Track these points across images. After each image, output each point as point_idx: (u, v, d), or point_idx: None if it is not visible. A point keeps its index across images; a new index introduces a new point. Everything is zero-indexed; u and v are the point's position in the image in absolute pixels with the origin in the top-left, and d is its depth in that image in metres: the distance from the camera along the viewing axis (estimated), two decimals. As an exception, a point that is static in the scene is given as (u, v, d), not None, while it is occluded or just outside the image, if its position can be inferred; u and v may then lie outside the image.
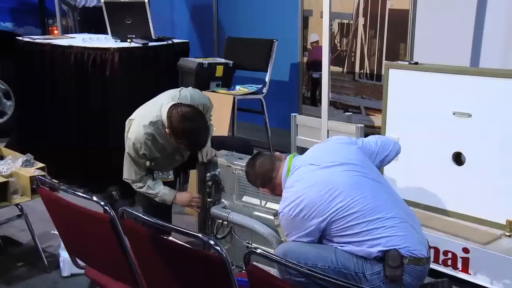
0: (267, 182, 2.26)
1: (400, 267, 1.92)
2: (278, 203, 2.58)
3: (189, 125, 2.55)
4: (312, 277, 1.66)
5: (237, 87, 4.16)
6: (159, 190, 2.80)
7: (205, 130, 2.67)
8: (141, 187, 2.79)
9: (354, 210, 1.99)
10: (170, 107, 2.61)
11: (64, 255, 2.75)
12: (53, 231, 3.10)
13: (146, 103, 2.81)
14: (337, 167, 2.09)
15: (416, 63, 2.97)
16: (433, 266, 2.43)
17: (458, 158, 2.81)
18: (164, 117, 2.62)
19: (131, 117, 2.77)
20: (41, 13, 5.44)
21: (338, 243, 2.04)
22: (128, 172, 2.78)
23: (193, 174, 3.51)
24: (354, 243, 2.00)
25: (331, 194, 2.01)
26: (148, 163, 2.76)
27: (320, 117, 3.54)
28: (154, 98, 2.81)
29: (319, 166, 2.10)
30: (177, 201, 2.83)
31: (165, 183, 2.85)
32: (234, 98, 3.88)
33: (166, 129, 2.62)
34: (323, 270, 2.00)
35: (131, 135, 2.69)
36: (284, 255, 2.05)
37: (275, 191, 2.27)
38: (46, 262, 2.90)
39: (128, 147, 2.71)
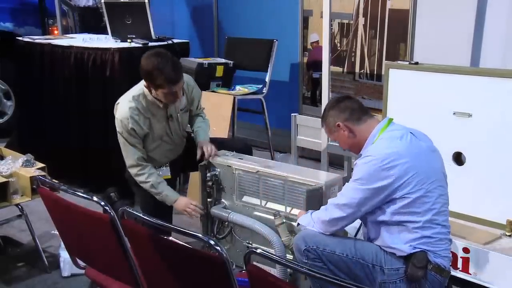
0: (352, 120, 2.12)
1: (424, 269, 1.93)
2: (278, 204, 2.60)
3: (155, 58, 2.58)
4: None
5: (237, 87, 4.16)
6: (162, 190, 2.78)
7: (175, 62, 2.64)
8: (143, 183, 2.75)
9: (428, 196, 1.95)
10: None
11: (64, 255, 2.75)
12: (53, 231, 3.11)
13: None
14: (433, 153, 2.07)
15: (416, 63, 2.97)
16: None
17: (458, 158, 2.81)
18: (145, 89, 2.69)
19: (117, 101, 2.80)
20: (41, 13, 5.45)
21: (388, 220, 1.98)
22: (127, 157, 2.77)
23: (194, 176, 3.52)
24: (403, 227, 1.96)
25: (422, 165, 1.97)
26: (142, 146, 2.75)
27: (320, 117, 3.53)
28: None
29: (420, 140, 2.05)
30: (176, 206, 2.82)
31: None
32: (234, 98, 3.88)
33: (145, 85, 2.66)
34: (340, 258, 2.02)
35: (119, 115, 2.72)
36: (304, 239, 2.06)
37: (351, 133, 2.12)
38: (46, 262, 2.90)
39: (118, 127, 2.72)
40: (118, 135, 2.75)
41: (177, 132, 2.91)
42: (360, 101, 2.32)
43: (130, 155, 2.76)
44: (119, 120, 2.71)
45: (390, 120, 2.13)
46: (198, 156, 2.81)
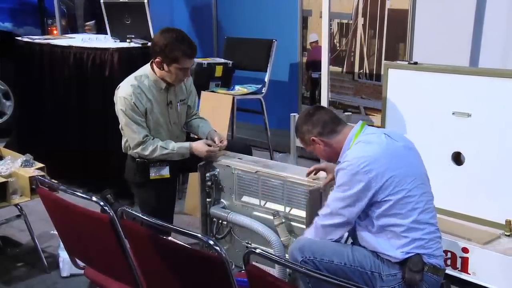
0: (326, 133, 2.13)
1: (420, 272, 1.93)
2: (277, 204, 2.60)
3: (173, 33, 2.69)
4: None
5: (237, 87, 4.16)
6: (174, 146, 2.78)
7: (190, 39, 2.75)
8: (154, 151, 2.74)
9: (410, 196, 1.95)
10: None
11: (63, 255, 2.74)
12: (52, 231, 3.10)
13: None
14: (410, 151, 2.08)
15: (416, 63, 2.97)
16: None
17: (457, 158, 2.81)
18: (148, 70, 2.76)
19: (118, 86, 2.83)
20: (41, 13, 5.44)
21: (375, 226, 1.99)
22: (132, 137, 2.75)
23: (193, 176, 3.52)
24: (390, 232, 1.97)
25: (399, 166, 1.97)
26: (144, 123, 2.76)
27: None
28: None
29: (395, 140, 2.06)
30: (194, 150, 2.79)
31: (162, 180, 2.83)
32: (233, 98, 3.88)
33: (156, 62, 2.71)
34: (339, 267, 2.01)
35: (121, 93, 2.75)
36: (300, 249, 2.04)
37: (327, 146, 2.13)
38: (45, 263, 2.90)
39: (121, 105, 2.73)
40: (121, 114, 2.74)
41: (176, 121, 2.92)
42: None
43: (134, 134, 2.74)
44: (122, 98, 2.73)
45: (363, 124, 2.14)
46: (217, 142, 2.81)
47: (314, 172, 2.47)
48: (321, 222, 2.07)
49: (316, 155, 2.26)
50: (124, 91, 2.74)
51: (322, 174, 2.47)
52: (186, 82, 2.94)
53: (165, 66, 2.71)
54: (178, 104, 2.90)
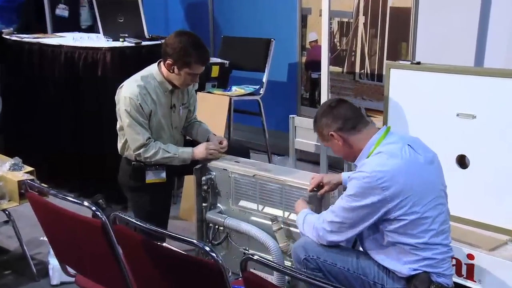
0: (346, 130, 2.06)
1: None
2: (276, 208, 2.60)
3: (189, 36, 2.73)
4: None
5: (233, 88, 4.16)
6: (176, 150, 2.79)
7: (205, 46, 2.79)
8: (156, 154, 2.75)
9: (424, 217, 1.93)
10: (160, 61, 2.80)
11: (53, 262, 2.74)
12: (42, 238, 3.09)
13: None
14: (431, 166, 2.04)
15: (418, 63, 2.97)
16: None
17: (462, 161, 2.81)
18: (155, 71, 2.78)
19: (121, 85, 2.82)
20: (29, 12, 5.42)
21: (384, 241, 1.97)
22: (135, 138, 2.75)
23: (189, 180, 3.51)
24: (400, 249, 1.95)
25: (419, 185, 1.93)
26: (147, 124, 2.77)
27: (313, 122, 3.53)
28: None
29: (418, 154, 2.00)
30: (196, 156, 2.81)
31: (157, 184, 2.83)
32: (230, 99, 3.88)
33: (166, 63, 2.72)
34: (341, 271, 2.01)
35: (126, 93, 2.73)
36: (304, 248, 2.04)
37: (346, 144, 2.07)
38: (34, 270, 2.89)
39: (126, 105, 2.72)
40: (125, 115, 2.73)
41: (177, 125, 2.93)
42: (356, 104, 2.27)
43: (137, 136, 2.74)
44: (127, 98, 2.72)
45: (388, 129, 2.08)
46: (223, 144, 2.87)
47: (316, 186, 2.43)
48: (322, 226, 2.04)
49: (334, 151, 2.19)
50: (129, 91, 2.74)
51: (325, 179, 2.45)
52: (191, 86, 2.95)
53: (175, 69, 2.72)
54: (181, 108, 2.92)
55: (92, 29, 5.16)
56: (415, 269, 1.95)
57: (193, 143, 2.95)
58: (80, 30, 5.04)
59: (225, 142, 2.90)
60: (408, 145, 2.02)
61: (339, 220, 1.99)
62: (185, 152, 2.81)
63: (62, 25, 4.97)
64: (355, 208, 1.94)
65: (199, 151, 2.82)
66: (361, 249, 2.18)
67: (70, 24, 5.02)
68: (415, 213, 1.91)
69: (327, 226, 2.03)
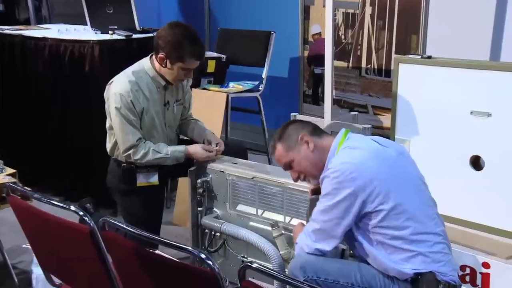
0: (316, 134, 2.17)
1: None
2: (276, 213, 2.60)
3: (184, 28, 2.73)
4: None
5: (231, 84, 4.17)
6: (167, 150, 2.79)
7: (200, 39, 2.79)
8: (145, 155, 2.74)
9: (404, 204, 1.96)
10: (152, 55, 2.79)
11: (37, 271, 2.73)
12: (24, 245, 3.09)
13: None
14: (402, 156, 2.10)
15: (429, 57, 2.98)
16: (449, 282, 2.43)
17: (476, 162, 2.81)
18: (147, 65, 2.77)
19: (110, 81, 2.82)
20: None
21: (372, 241, 2.00)
22: (125, 138, 2.74)
23: (183, 183, 3.51)
24: (390, 246, 1.97)
25: (390, 171, 2.00)
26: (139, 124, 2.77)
27: (323, 117, 3.54)
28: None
29: (385, 147, 2.09)
30: (192, 155, 2.81)
31: (148, 187, 2.83)
32: (227, 96, 3.88)
33: (158, 57, 2.71)
34: None
35: (116, 89, 2.72)
36: (301, 268, 2.04)
37: (316, 149, 2.14)
38: (16, 280, 2.87)
39: (116, 102, 2.71)
40: (114, 112, 2.72)
41: (171, 124, 2.92)
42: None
43: (127, 136, 2.73)
44: (118, 94, 2.71)
45: (347, 131, 2.16)
46: (213, 145, 2.86)
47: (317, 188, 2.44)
48: (307, 239, 2.08)
49: (296, 165, 2.19)
50: (120, 87, 2.73)
51: None
52: (185, 82, 2.96)
53: (168, 64, 2.72)
54: (175, 104, 2.91)
55: (28, 22, 5.21)
56: (414, 269, 1.96)
57: (189, 143, 2.94)
58: (17, 23, 5.07)
59: (221, 147, 2.88)
60: (373, 140, 2.12)
61: (319, 226, 2.04)
62: (177, 151, 2.81)
63: None
64: (332, 206, 1.99)
65: (196, 151, 2.81)
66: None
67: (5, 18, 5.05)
68: (391, 200, 1.95)
69: (312, 236, 2.07)
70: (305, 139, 2.15)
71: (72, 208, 1.84)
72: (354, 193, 1.95)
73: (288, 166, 2.21)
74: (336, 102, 4.26)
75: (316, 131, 2.20)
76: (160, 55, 2.72)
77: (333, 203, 1.99)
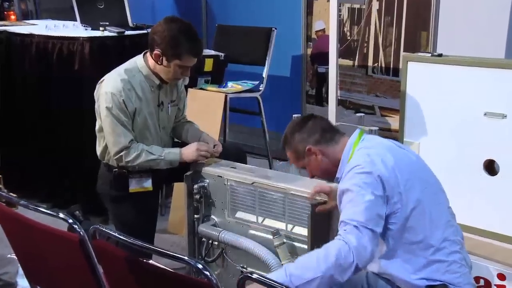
0: (325, 141, 2.13)
1: None
2: (277, 220, 2.60)
3: (181, 24, 2.74)
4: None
5: (230, 83, 4.17)
6: (161, 152, 2.79)
7: (198, 36, 2.81)
8: (138, 157, 2.74)
9: (424, 204, 1.97)
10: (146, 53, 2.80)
11: (22, 283, 2.73)
12: (9, 255, 3.08)
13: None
14: (420, 160, 2.13)
15: (440, 55, 2.98)
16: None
17: (490, 167, 2.81)
18: (140, 63, 2.78)
19: (101, 79, 2.82)
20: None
21: (388, 247, 1.99)
22: (116, 140, 2.73)
23: (179, 188, 3.51)
24: (405, 253, 1.97)
25: (408, 168, 2.01)
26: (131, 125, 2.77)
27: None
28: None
29: (402, 148, 2.12)
30: (184, 157, 2.81)
31: (142, 193, 2.83)
32: (226, 96, 3.89)
33: (154, 54, 2.71)
34: None
35: (107, 88, 2.72)
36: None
37: (325, 156, 2.12)
38: (1, 292, 2.88)
39: (107, 102, 2.71)
40: (105, 113, 2.72)
41: (165, 126, 2.93)
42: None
43: (119, 137, 2.73)
44: (109, 93, 2.71)
45: (362, 132, 2.15)
46: (211, 146, 2.86)
47: (318, 194, 2.42)
48: (346, 238, 1.91)
49: (307, 170, 2.21)
50: (111, 86, 2.73)
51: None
52: (180, 81, 2.96)
53: (164, 61, 2.72)
54: (169, 105, 2.92)
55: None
56: (428, 279, 1.95)
57: (184, 146, 2.94)
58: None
59: (219, 147, 2.90)
60: (390, 141, 2.14)
61: (363, 219, 1.90)
62: (172, 153, 2.81)
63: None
64: (366, 203, 1.90)
65: (188, 152, 2.81)
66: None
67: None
68: (411, 200, 1.95)
69: (354, 231, 1.90)
70: (312, 150, 2.13)
71: (61, 215, 1.84)
72: (378, 179, 1.92)
73: (302, 168, 2.24)
74: (341, 102, 4.26)
75: (325, 136, 2.14)
76: (155, 51, 2.72)
77: (370, 197, 1.90)
